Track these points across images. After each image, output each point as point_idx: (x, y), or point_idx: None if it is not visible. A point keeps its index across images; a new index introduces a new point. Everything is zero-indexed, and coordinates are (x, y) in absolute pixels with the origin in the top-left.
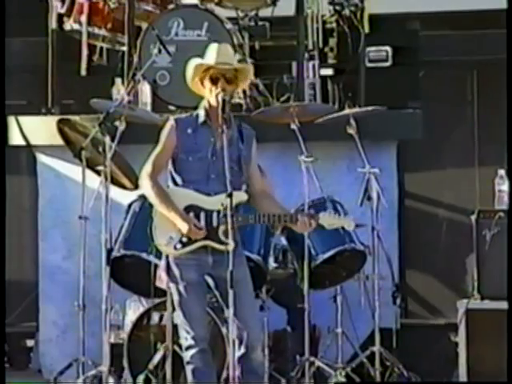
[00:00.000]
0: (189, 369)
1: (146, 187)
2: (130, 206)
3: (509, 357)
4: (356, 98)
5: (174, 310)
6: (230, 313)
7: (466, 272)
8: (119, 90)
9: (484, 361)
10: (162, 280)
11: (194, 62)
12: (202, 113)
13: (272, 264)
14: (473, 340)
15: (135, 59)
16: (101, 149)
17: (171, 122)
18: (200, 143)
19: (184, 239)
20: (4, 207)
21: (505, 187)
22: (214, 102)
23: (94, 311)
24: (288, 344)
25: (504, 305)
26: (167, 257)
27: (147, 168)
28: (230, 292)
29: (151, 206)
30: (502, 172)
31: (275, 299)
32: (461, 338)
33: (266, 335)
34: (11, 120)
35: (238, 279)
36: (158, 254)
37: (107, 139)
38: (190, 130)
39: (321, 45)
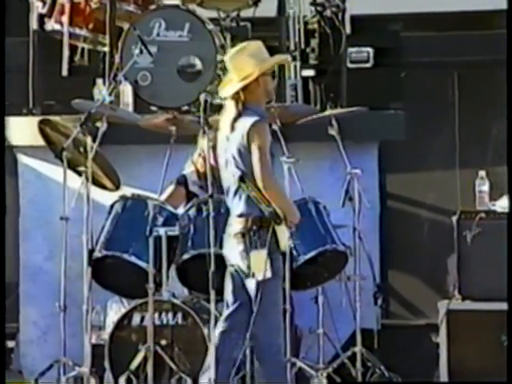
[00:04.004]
0: None
1: (274, 186)
2: (111, 206)
3: (509, 357)
4: (338, 98)
5: (156, 310)
6: (211, 313)
7: (448, 273)
8: (101, 91)
9: (465, 361)
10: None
11: (280, 57)
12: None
13: None
14: (454, 340)
15: (117, 60)
16: (82, 149)
17: (267, 123)
18: None
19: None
20: (4, 207)
21: (485, 188)
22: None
23: (75, 312)
24: None
25: (485, 305)
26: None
27: (268, 169)
28: (212, 292)
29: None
30: (482, 173)
31: None
32: (442, 338)
33: (248, 335)
34: None
35: None
36: (140, 255)
37: (89, 140)
38: None
39: (302, 46)
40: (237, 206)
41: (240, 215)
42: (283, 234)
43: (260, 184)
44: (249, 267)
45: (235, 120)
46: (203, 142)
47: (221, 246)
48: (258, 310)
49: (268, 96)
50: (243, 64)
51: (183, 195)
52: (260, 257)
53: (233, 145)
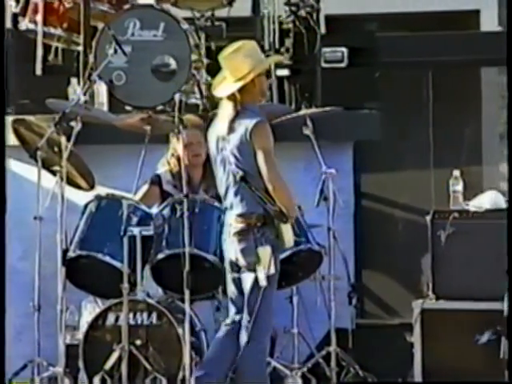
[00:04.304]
0: None
1: (283, 186)
2: (86, 206)
3: (509, 356)
4: (312, 98)
5: (130, 310)
6: (186, 313)
7: (422, 272)
8: (75, 90)
9: (439, 360)
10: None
11: (276, 58)
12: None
13: None
14: (428, 340)
15: (91, 59)
16: (56, 149)
17: (268, 123)
18: None
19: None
20: (4, 207)
21: (459, 188)
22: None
23: (49, 312)
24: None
25: (459, 305)
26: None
27: (275, 169)
28: (187, 292)
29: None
30: (456, 173)
31: None
32: (416, 337)
33: None
34: None
35: None
36: (114, 255)
37: (63, 139)
38: None
39: (277, 45)
40: (237, 205)
41: (241, 214)
42: (287, 231)
43: (270, 186)
44: (255, 264)
45: (233, 121)
46: (175, 142)
47: (196, 246)
48: (253, 306)
49: (263, 96)
50: (239, 64)
51: (157, 195)
52: (266, 253)
53: (231, 144)
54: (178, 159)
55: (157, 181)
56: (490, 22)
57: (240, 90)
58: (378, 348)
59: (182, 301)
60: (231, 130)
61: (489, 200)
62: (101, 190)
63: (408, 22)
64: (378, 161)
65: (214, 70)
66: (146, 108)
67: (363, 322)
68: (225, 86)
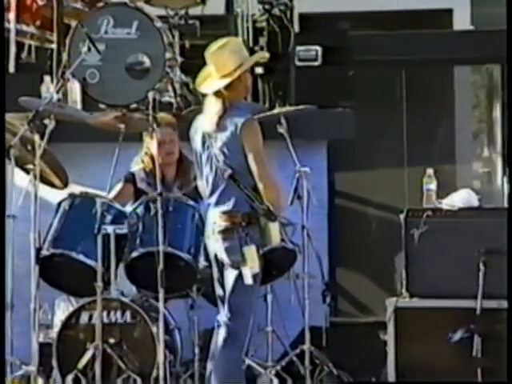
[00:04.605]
0: None
1: (274, 184)
2: (59, 204)
3: (509, 357)
4: (286, 97)
5: (104, 309)
6: (160, 312)
7: (395, 270)
8: (48, 88)
9: (412, 358)
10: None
11: (261, 54)
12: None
13: (202, 263)
14: (401, 338)
15: (64, 57)
16: (30, 147)
17: (257, 120)
18: None
19: None
20: (4, 207)
21: (433, 186)
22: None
23: (22, 310)
24: None
25: (432, 303)
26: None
27: (265, 167)
28: (161, 290)
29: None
30: (430, 171)
31: (207, 298)
32: (389, 335)
33: (197, 334)
34: None
35: None
36: (88, 253)
37: (36, 137)
38: None
39: (251, 44)
40: (223, 202)
41: (226, 212)
42: (274, 229)
43: (260, 184)
44: (239, 263)
45: (221, 117)
46: (149, 140)
47: (170, 244)
48: (234, 304)
49: (247, 92)
50: (225, 61)
51: (131, 193)
52: (251, 252)
53: (220, 141)
54: (152, 157)
55: (131, 179)
56: (462, 21)
57: (226, 87)
58: (352, 346)
59: (156, 299)
60: (219, 126)
61: (462, 198)
62: (75, 189)
63: (382, 21)
64: (352, 159)
65: (188, 68)
66: (120, 106)
67: (337, 320)
68: (211, 82)
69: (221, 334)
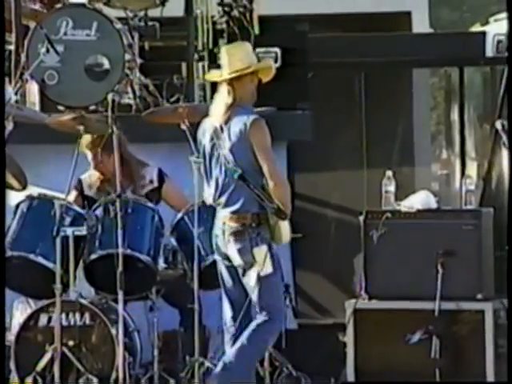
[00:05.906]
0: None
1: (284, 183)
2: (17, 206)
3: (509, 357)
4: None
5: (63, 311)
6: (119, 314)
7: (354, 272)
8: (6, 90)
9: (371, 360)
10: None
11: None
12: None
13: (162, 265)
14: (360, 339)
15: (23, 58)
16: None
17: (264, 120)
18: None
19: None
20: (4, 207)
21: (392, 188)
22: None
23: None
24: (178, 344)
25: (391, 304)
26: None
27: (276, 166)
28: (120, 292)
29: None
30: (389, 173)
31: (167, 300)
32: (349, 337)
33: (156, 336)
34: None
35: None
36: (46, 255)
37: None
38: None
39: (211, 45)
40: (233, 203)
41: (235, 212)
42: (284, 227)
43: (271, 183)
44: (252, 264)
45: (229, 107)
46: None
47: (129, 246)
48: (259, 304)
49: (254, 98)
50: (243, 56)
51: (79, 200)
52: (262, 253)
53: (227, 142)
54: (98, 168)
55: (77, 186)
56: (421, 24)
57: (237, 82)
58: (311, 347)
59: (115, 301)
60: (227, 128)
61: (420, 200)
62: (33, 190)
63: (341, 23)
64: (311, 161)
65: (147, 69)
66: (79, 108)
67: (296, 321)
68: (222, 73)
69: (258, 334)
